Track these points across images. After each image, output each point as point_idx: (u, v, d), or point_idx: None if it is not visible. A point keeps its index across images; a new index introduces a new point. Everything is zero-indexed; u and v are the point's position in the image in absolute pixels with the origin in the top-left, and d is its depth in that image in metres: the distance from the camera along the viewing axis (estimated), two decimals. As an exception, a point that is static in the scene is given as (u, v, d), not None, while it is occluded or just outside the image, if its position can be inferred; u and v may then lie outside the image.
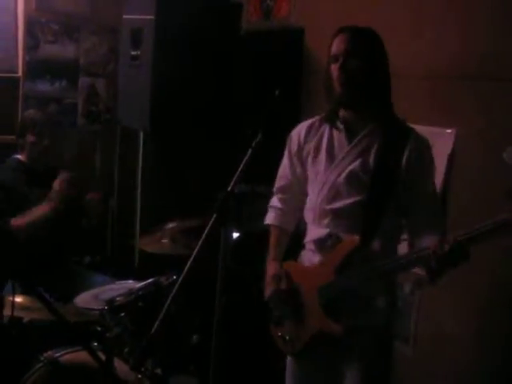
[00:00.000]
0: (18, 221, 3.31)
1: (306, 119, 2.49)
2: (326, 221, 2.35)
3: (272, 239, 2.59)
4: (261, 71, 3.74)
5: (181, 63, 3.62)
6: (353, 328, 2.26)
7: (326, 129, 2.40)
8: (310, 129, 2.45)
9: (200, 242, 1.90)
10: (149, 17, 3.71)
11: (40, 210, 3.37)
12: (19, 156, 3.62)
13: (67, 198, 3.41)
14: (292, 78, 3.76)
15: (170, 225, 3.26)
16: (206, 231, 1.91)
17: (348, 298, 2.28)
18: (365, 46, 2.27)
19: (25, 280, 1.62)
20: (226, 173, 2.13)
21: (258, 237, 2.70)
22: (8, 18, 4.33)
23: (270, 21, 4.06)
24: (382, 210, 2.27)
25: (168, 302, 1.94)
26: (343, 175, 2.30)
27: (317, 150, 2.40)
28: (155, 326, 1.89)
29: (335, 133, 2.36)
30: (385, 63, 2.30)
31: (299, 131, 2.48)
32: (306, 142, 2.44)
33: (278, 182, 2.61)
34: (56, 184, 3.43)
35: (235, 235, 3.38)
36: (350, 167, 2.29)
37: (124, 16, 4.06)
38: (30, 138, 3.54)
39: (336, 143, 2.36)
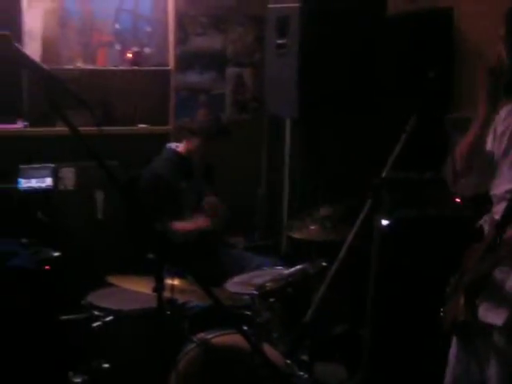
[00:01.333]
0: (178, 225, 3.44)
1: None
2: None
3: None
4: (407, 55, 3.64)
5: (327, 49, 3.59)
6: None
7: None
8: None
9: (354, 229, 1.87)
10: (294, 4, 3.72)
11: (198, 224, 3.49)
12: (175, 146, 3.74)
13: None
14: (441, 61, 3.62)
15: (318, 211, 3.25)
16: (360, 218, 1.88)
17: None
18: None
19: (181, 265, 1.68)
20: (376, 158, 2.09)
21: (409, 225, 2.63)
22: (159, 13, 4.51)
23: (417, 2, 3.93)
24: None
25: (322, 289, 1.93)
26: None
27: None
28: (309, 313, 1.90)
29: None
30: None
31: None
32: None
33: None
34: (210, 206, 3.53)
35: (385, 222, 3.32)
36: None
37: (269, 5, 4.10)
38: (196, 139, 3.65)
39: None
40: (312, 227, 3.20)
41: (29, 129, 4.13)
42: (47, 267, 3.06)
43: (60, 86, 1.49)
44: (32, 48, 4.06)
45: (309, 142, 3.92)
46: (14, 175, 3.84)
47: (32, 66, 1.47)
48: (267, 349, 2.56)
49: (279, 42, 3.84)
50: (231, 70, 4.61)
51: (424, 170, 2.55)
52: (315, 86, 3.59)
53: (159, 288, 1.74)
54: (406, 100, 2.10)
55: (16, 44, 1.45)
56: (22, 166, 3.86)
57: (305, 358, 2.75)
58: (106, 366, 2.72)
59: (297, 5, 3.70)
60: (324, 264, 2.86)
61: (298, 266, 2.91)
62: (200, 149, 3.64)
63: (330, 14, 3.62)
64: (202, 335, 2.71)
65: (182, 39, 4.46)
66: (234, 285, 3.08)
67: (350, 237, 1.91)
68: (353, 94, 3.64)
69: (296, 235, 3.27)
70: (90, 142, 1.67)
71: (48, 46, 4.15)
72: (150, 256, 1.70)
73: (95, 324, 2.71)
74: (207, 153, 3.65)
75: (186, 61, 4.47)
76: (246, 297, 2.88)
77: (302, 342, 2.71)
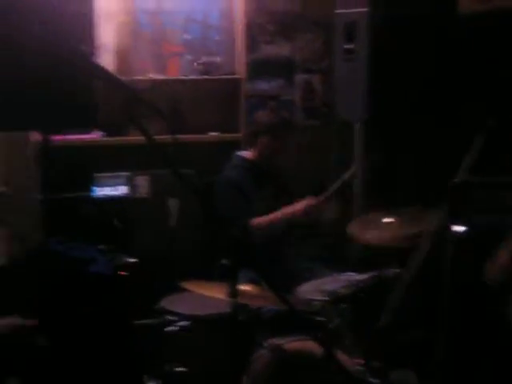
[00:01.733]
0: (258, 220, 3.47)
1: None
2: None
3: None
4: (482, 55, 3.57)
5: (396, 53, 3.56)
6: None
7: None
8: None
9: (428, 235, 1.85)
10: (362, 9, 3.71)
11: (284, 213, 3.51)
12: (244, 153, 3.77)
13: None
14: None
15: (389, 216, 3.21)
16: (435, 224, 1.85)
17: None
18: None
19: (257, 271, 1.70)
20: (450, 162, 2.05)
21: (486, 232, 2.56)
22: (228, 22, 4.57)
23: (491, 1, 3.84)
24: None
25: (396, 295, 1.91)
26: None
27: None
28: (382, 319, 1.88)
29: None
30: None
31: None
32: None
33: None
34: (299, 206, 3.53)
35: (461, 229, 3.25)
36: None
37: (336, 11, 4.09)
38: (263, 139, 3.68)
39: None
40: (383, 232, 3.17)
41: (104, 138, 4.26)
42: (123, 273, 3.14)
43: (135, 97, 1.53)
44: (106, 60, 4.19)
45: (378, 146, 3.89)
46: (90, 183, 3.96)
47: (108, 79, 1.52)
48: (339, 355, 2.55)
49: (347, 47, 3.82)
50: (300, 77, 4.62)
51: (501, 174, 2.47)
52: (384, 90, 3.56)
53: (233, 293, 1.77)
54: (480, 102, 2.06)
55: (93, 58, 1.50)
56: (97, 175, 3.98)
57: (376, 364, 2.72)
58: (180, 369, 2.77)
59: (365, 9, 3.68)
60: (396, 270, 2.83)
61: (370, 272, 2.89)
62: (267, 148, 3.64)
63: (399, 17, 3.59)
64: (273, 341, 2.72)
65: (250, 47, 4.51)
66: (305, 291, 3.07)
67: (426, 242, 1.88)
68: (424, 96, 3.60)
69: (366, 241, 3.24)
70: (163, 150, 1.71)
71: (121, 57, 4.27)
72: (224, 262, 1.73)
73: (169, 328, 2.77)
74: (275, 153, 3.66)
75: (255, 69, 4.51)
76: (318, 303, 2.88)
77: (375, 348, 2.69)
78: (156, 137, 1.70)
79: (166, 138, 1.74)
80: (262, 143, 3.65)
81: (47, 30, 2.71)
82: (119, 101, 2.66)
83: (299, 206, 3.52)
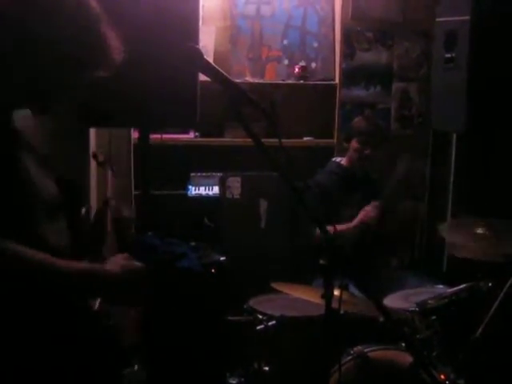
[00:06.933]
0: (341, 227, 3.48)
1: None
2: None
3: None
4: None
5: (500, 61, 3.48)
6: None
7: None
8: None
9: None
10: (464, 17, 3.64)
11: (359, 221, 3.53)
12: (339, 159, 3.79)
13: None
14: None
15: (480, 224, 3.13)
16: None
17: None
18: None
19: (350, 274, 1.71)
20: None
21: None
22: (326, 28, 4.59)
23: None
24: None
25: (493, 309, 1.88)
26: None
27: None
28: (477, 333, 1.85)
29: None
30: None
31: None
32: None
33: None
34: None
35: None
36: None
37: (437, 19, 4.03)
38: (354, 145, 3.68)
39: None
40: (475, 245, 3.10)
41: (199, 139, 4.36)
42: (213, 270, 3.20)
43: (245, 97, 1.57)
44: (205, 63, 4.29)
45: (476, 157, 3.81)
46: (185, 182, 4.07)
47: (218, 77, 1.57)
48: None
49: (447, 55, 3.77)
50: (397, 85, 4.58)
51: None
52: (484, 100, 3.49)
53: (328, 295, 1.78)
54: None
55: (205, 57, 1.55)
56: (192, 174, 4.08)
57: (461, 382, 2.67)
58: (265, 369, 2.80)
59: (467, 17, 3.62)
60: (490, 284, 2.76)
61: (462, 285, 2.83)
62: (357, 153, 3.64)
63: (503, 24, 3.50)
64: (359, 348, 2.71)
65: (348, 54, 4.50)
66: (393, 301, 3.05)
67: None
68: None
69: (459, 254, 3.18)
70: (268, 152, 1.74)
71: (219, 60, 4.36)
72: (322, 262, 1.74)
73: (258, 327, 2.80)
74: (365, 159, 3.65)
75: (352, 75, 4.50)
76: (406, 313, 2.84)
77: (463, 363, 2.63)
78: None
79: (266, 140, 1.76)
80: (353, 148, 3.66)
81: (157, 26, 2.82)
82: (218, 102, 2.72)
83: (366, 211, 3.48)
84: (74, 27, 1.50)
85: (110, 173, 3.45)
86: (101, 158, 3.16)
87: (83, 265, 1.52)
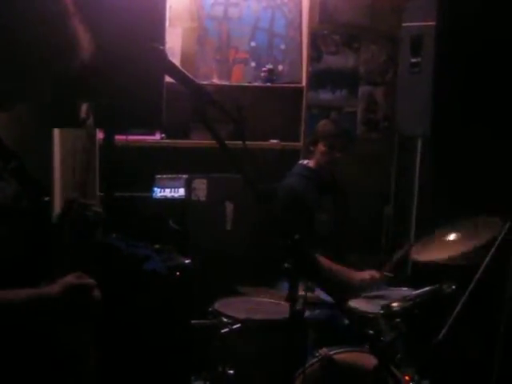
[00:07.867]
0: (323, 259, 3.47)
1: None
2: None
3: None
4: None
5: (464, 67, 3.53)
6: None
7: None
8: None
9: (490, 253, 1.83)
10: (429, 23, 3.68)
11: (347, 274, 3.49)
12: (306, 162, 3.79)
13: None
14: None
15: (447, 234, 3.17)
16: (497, 242, 1.83)
17: None
18: None
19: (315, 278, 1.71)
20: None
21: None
22: (294, 31, 4.59)
23: None
24: None
25: (456, 311, 1.89)
26: None
27: None
28: (440, 335, 1.86)
29: None
30: None
31: None
32: None
33: None
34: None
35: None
36: None
37: (403, 24, 4.07)
38: (321, 148, 3.69)
39: None
40: (438, 250, 3.13)
41: (165, 140, 4.33)
42: (178, 273, 3.17)
43: (210, 99, 1.56)
44: (172, 64, 4.26)
45: (441, 162, 3.84)
46: (150, 184, 4.03)
47: (184, 79, 1.55)
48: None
49: (413, 60, 3.81)
50: (363, 89, 4.60)
51: None
52: (449, 105, 3.53)
53: (293, 298, 1.77)
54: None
55: (169, 58, 1.54)
56: (157, 176, 4.04)
57: (427, 382, 2.69)
58: (230, 372, 2.79)
59: (432, 23, 3.66)
60: (453, 287, 2.79)
61: (427, 288, 2.86)
62: (324, 156, 3.65)
63: (468, 30, 3.55)
64: (324, 350, 2.72)
65: (315, 57, 4.51)
66: (358, 303, 3.06)
67: (487, 259, 1.85)
68: (491, 113, 3.55)
69: (422, 258, 3.20)
70: (233, 154, 1.73)
71: (186, 62, 4.33)
72: (287, 265, 1.74)
73: (223, 330, 2.79)
74: (332, 162, 3.66)
75: (319, 79, 4.51)
76: (370, 315, 2.86)
77: (426, 365, 2.66)
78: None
79: (232, 142, 1.75)
80: (320, 151, 3.67)
81: (123, 26, 2.79)
82: (185, 103, 2.71)
83: (364, 275, 3.48)
84: (41, 19, 1.43)
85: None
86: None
87: (30, 291, 1.48)
